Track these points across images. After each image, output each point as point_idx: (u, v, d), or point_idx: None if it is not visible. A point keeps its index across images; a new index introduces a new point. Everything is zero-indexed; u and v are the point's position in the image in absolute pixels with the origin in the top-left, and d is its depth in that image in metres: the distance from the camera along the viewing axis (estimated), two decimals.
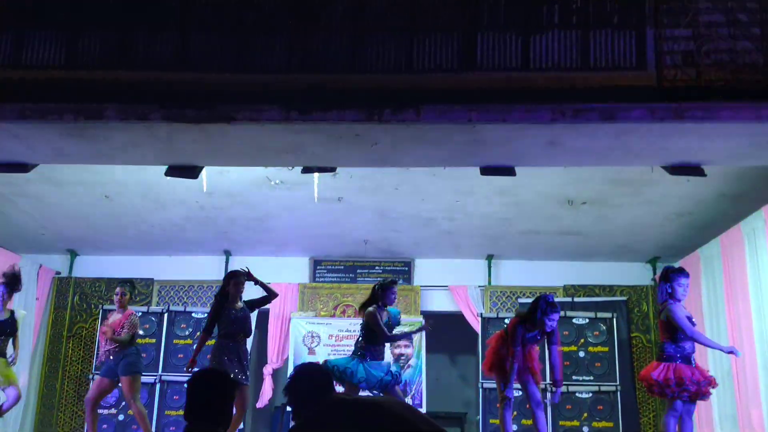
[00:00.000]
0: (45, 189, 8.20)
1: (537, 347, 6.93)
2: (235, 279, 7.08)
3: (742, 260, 7.63)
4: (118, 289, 7.68)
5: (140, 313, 9.74)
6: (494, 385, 9.34)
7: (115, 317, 7.63)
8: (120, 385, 7.50)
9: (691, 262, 8.96)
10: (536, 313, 6.60)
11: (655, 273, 10.36)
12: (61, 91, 5.33)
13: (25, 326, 9.97)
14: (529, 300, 10.17)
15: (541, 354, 7.43)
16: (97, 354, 7.62)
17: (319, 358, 9.82)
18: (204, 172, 6.49)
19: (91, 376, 9.69)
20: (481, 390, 9.53)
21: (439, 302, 10.58)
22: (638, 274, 10.51)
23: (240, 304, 7.06)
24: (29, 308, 10.00)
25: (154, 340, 9.84)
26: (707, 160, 5.76)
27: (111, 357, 7.42)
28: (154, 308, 10.16)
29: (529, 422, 8.93)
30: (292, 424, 3.39)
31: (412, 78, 5.28)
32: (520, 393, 9.17)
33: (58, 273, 10.87)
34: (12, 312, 7.65)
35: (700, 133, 5.20)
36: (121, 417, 9.57)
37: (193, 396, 3.21)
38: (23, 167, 6.22)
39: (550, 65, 5.24)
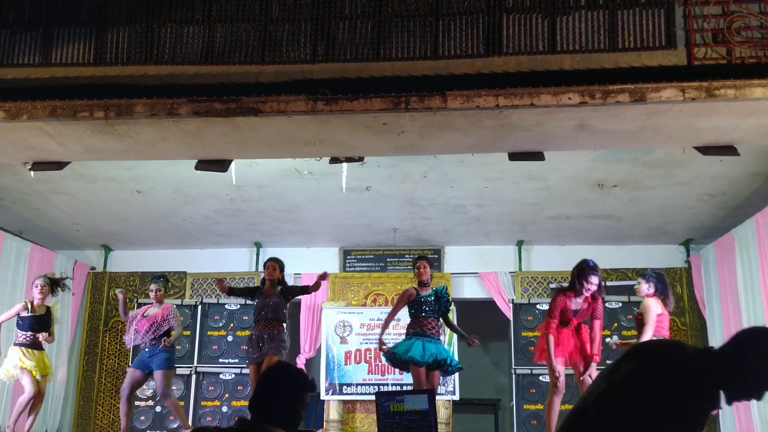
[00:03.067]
0: (78, 186, 8.32)
1: (587, 327, 6.47)
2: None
3: None
4: (152, 286, 7.80)
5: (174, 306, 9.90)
6: (527, 371, 9.37)
7: (152, 310, 7.72)
8: (154, 378, 7.61)
9: (726, 243, 8.84)
10: (577, 278, 6.24)
11: (688, 255, 10.23)
12: (91, 88, 5.41)
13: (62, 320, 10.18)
14: (561, 285, 10.17)
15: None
16: (132, 342, 7.67)
17: (351, 347, 9.89)
18: (233, 165, 6.54)
19: (128, 369, 9.86)
20: (514, 376, 9.50)
21: (470, 289, 10.56)
22: (672, 257, 10.39)
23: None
24: (66, 304, 10.18)
25: (188, 333, 9.96)
26: (740, 139, 5.66)
27: (146, 349, 7.52)
28: (187, 301, 10.29)
29: (570, 407, 8.89)
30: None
31: (437, 64, 5.27)
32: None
33: (93, 268, 11.05)
34: (48, 308, 7.75)
35: (733, 111, 5.12)
36: (158, 409, 9.73)
37: (264, 388, 3.01)
38: (57, 165, 6.32)
39: (577, 47, 5.20)
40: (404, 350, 6.81)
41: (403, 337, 7.13)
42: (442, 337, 7.61)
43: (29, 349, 7.43)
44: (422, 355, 6.71)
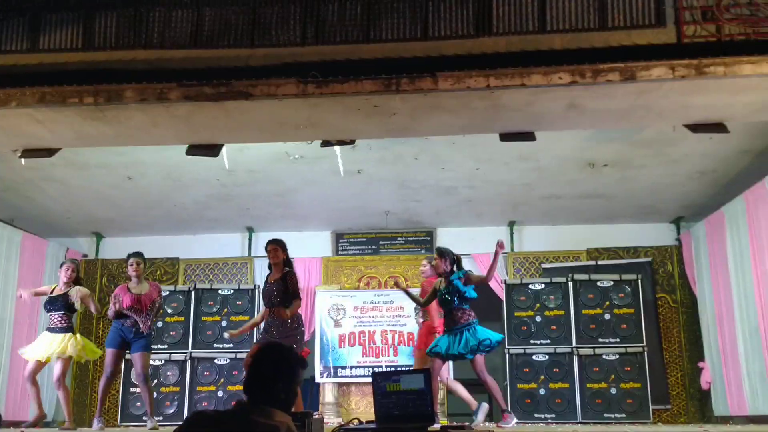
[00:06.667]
0: (69, 173, 8.29)
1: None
2: None
3: (767, 216, 7.56)
4: (132, 260, 7.20)
5: (167, 292, 9.86)
6: (520, 351, 9.43)
7: (141, 289, 7.18)
8: (132, 360, 7.27)
9: (716, 221, 8.90)
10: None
11: (679, 233, 10.30)
12: (80, 74, 5.39)
13: None
14: (554, 265, 10.23)
15: None
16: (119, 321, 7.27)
17: (345, 330, 9.92)
18: (224, 150, 6.52)
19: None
20: (507, 356, 9.55)
21: None
22: (663, 235, 10.44)
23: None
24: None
25: (182, 318, 9.94)
26: (730, 117, 5.70)
27: (130, 328, 7.04)
28: (180, 287, 10.26)
29: (563, 385, 8.97)
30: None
31: (427, 45, 5.27)
32: (547, 357, 9.27)
33: (85, 256, 11.02)
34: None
35: (722, 89, 5.15)
36: (154, 395, 9.73)
37: (256, 369, 2.94)
38: (47, 152, 6.30)
39: (567, 26, 5.21)
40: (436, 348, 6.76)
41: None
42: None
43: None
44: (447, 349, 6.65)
